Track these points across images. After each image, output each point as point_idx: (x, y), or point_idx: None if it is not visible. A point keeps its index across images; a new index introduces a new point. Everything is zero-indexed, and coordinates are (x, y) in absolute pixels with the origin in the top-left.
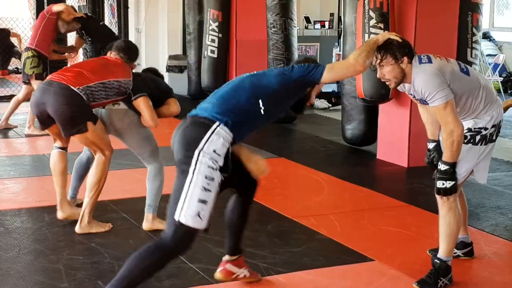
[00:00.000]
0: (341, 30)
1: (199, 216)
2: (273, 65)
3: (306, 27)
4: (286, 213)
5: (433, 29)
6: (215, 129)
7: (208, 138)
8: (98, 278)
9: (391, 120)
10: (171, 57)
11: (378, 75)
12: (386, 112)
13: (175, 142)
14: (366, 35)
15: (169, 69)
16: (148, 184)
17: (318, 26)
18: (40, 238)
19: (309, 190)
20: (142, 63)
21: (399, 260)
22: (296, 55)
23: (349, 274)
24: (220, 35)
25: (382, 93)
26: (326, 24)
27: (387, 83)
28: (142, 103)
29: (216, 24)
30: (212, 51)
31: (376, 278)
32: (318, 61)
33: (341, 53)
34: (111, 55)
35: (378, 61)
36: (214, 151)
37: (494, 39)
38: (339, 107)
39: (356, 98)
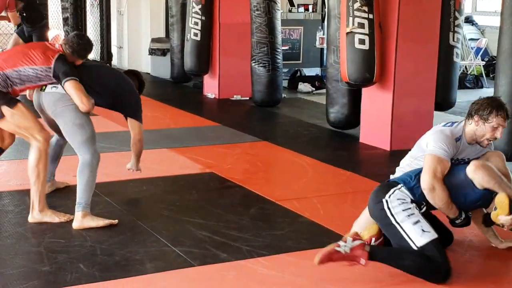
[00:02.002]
0: (324, 14)
1: (423, 231)
2: (256, 48)
3: (290, 10)
4: (269, 196)
5: (416, 13)
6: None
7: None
8: (79, 261)
9: (374, 104)
10: (153, 40)
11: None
12: (369, 96)
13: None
14: (350, 19)
15: (152, 52)
16: (77, 178)
17: (301, 9)
18: (22, 221)
19: (293, 174)
20: (124, 46)
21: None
22: (279, 39)
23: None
24: (203, 18)
25: (367, 77)
26: (310, 7)
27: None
28: (70, 87)
29: (199, 6)
30: (195, 34)
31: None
32: (301, 44)
33: (324, 36)
34: (59, 43)
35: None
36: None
37: (476, 23)
38: (323, 91)
39: (339, 82)
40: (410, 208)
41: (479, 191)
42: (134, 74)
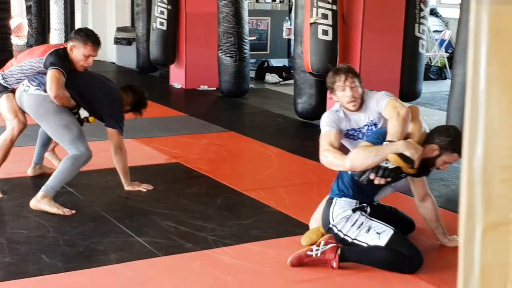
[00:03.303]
0: (292, 4)
1: (378, 233)
2: (223, 38)
3: (257, 1)
4: (235, 186)
5: (381, 4)
6: None
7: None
8: (42, 252)
9: None
10: (119, 29)
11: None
12: None
13: None
14: (314, 9)
15: (117, 41)
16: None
17: None
18: None
19: (259, 164)
20: None
21: None
22: (246, 29)
23: (297, 245)
24: (169, 7)
25: (329, 67)
26: None
27: (353, 102)
28: (49, 74)
29: None
30: (161, 23)
31: None
32: (268, 35)
33: (292, 27)
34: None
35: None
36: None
37: (440, 16)
38: (290, 81)
39: (306, 72)
40: (356, 220)
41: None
42: (130, 89)
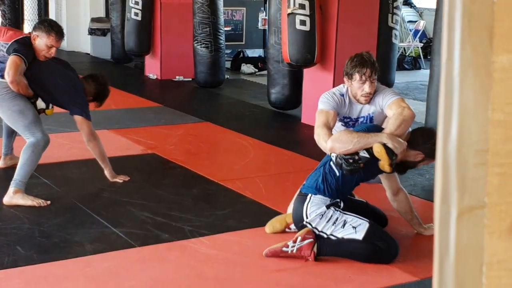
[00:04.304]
0: None
1: (354, 227)
2: (198, 29)
3: None
4: (211, 176)
5: None
6: None
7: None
8: (17, 243)
9: (315, 85)
10: (93, 20)
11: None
12: (310, 77)
13: None
14: (291, 0)
15: (92, 32)
16: (20, 156)
17: None
18: None
19: (235, 154)
20: (63, 26)
21: None
22: (222, 19)
23: (273, 235)
24: None
25: (308, 57)
26: None
27: (366, 98)
28: (10, 60)
29: None
30: (136, 14)
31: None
32: (244, 25)
33: (267, 18)
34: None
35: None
36: None
37: (415, 6)
38: (266, 72)
39: (280, 63)
40: (331, 216)
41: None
42: (93, 78)
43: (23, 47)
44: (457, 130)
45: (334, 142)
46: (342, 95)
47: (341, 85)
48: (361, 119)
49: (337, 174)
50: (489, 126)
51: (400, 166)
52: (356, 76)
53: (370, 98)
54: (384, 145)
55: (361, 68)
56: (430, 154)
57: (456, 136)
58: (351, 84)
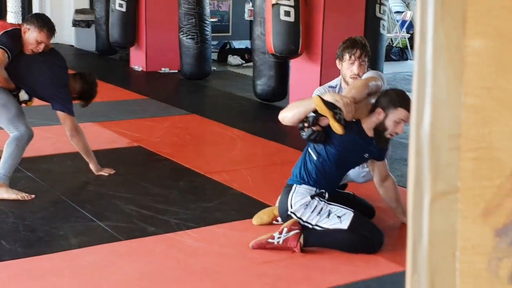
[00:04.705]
0: None
1: (339, 216)
2: (184, 20)
3: None
4: (198, 169)
5: None
6: None
7: None
8: (2, 237)
9: (303, 76)
10: (77, 11)
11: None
12: (297, 68)
13: None
14: None
15: (76, 23)
16: (3, 150)
17: None
18: None
19: (222, 146)
20: None
21: None
22: (207, 10)
23: (260, 227)
24: None
25: (292, 48)
26: None
27: (354, 79)
28: None
29: None
30: (121, 5)
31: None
32: (230, 16)
33: (253, 8)
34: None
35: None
36: None
37: None
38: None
39: (266, 54)
40: (316, 206)
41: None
42: (81, 77)
43: (10, 40)
44: (430, 115)
45: (282, 113)
46: (333, 87)
47: (335, 79)
48: None
49: (315, 158)
50: (462, 110)
51: (376, 135)
52: (346, 57)
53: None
54: (322, 99)
55: (351, 49)
56: (387, 105)
57: (429, 121)
58: (342, 66)
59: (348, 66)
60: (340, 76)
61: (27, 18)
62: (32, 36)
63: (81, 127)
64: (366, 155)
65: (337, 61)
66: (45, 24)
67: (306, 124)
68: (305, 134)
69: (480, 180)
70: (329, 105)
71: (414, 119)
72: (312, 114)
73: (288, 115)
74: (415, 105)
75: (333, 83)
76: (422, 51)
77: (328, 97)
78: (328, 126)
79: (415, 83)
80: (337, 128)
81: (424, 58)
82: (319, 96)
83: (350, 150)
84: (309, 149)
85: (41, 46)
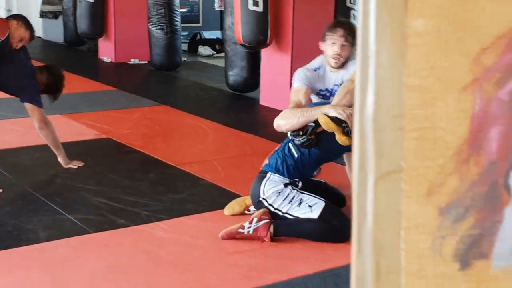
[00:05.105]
0: None
1: (310, 206)
2: (153, 10)
3: None
4: (169, 160)
5: None
6: None
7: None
8: None
9: (273, 66)
10: (44, 2)
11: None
12: (268, 59)
13: None
14: None
15: (43, 15)
16: None
17: None
18: None
19: (193, 137)
20: (13, 9)
21: None
22: (177, 0)
23: (232, 218)
24: None
25: (260, 39)
26: None
27: (336, 59)
28: None
29: None
30: None
31: None
32: (200, 6)
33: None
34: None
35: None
36: None
37: None
38: (223, 54)
39: (237, 45)
40: (288, 194)
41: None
42: (48, 70)
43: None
44: (373, 96)
45: (279, 120)
46: (316, 69)
47: (316, 59)
48: (335, 88)
49: (296, 155)
50: (405, 91)
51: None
52: (328, 37)
53: (341, 61)
54: (328, 116)
55: (334, 28)
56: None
57: (372, 102)
58: (326, 47)
59: (330, 48)
60: (322, 57)
61: (17, 15)
62: (19, 32)
63: (49, 119)
64: (345, 152)
65: (320, 43)
66: (32, 28)
67: (301, 132)
68: (298, 141)
69: (423, 160)
70: (336, 121)
71: (358, 100)
72: (312, 124)
73: (285, 125)
74: (358, 87)
75: (315, 64)
76: (365, 32)
77: (332, 113)
78: (321, 132)
79: (358, 65)
80: (344, 141)
81: (367, 40)
82: (325, 115)
83: (333, 151)
84: (290, 145)
85: (20, 44)
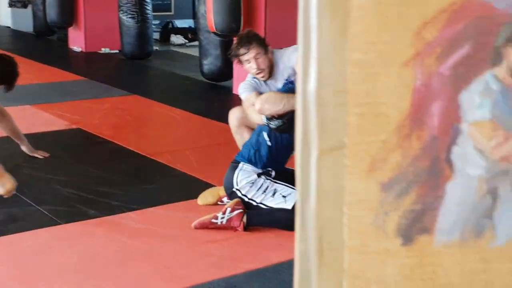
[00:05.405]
0: None
1: (284, 196)
2: None
3: None
4: (140, 150)
5: None
6: None
7: None
8: None
9: None
10: None
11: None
12: None
13: None
14: None
15: (12, 4)
16: None
17: None
18: None
19: (165, 127)
20: None
21: None
22: None
23: (204, 208)
24: None
25: (232, 27)
26: None
27: (262, 74)
28: None
29: None
30: None
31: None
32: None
33: None
34: None
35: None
36: None
37: None
38: (196, 43)
39: (211, 33)
40: (261, 184)
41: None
42: None
43: None
44: (316, 71)
45: (263, 104)
46: (254, 78)
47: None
48: (284, 87)
49: (270, 143)
50: (348, 66)
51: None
52: (240, 60)
53: (267, 72)
54: None
55: (238, 51)
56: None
57: (315, 77)
58: (246, 68)
59: (249, 67)
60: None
61: None
62: None
63: (6, 109)
64: None
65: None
66: None
67: (276, 116)
68: (274, 124)
69: (366, 135)
70: None
71: (300, 76)
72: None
73: (270, 108)
74: (301, 62)
75: (251, 76)
76: (306, 7)
77: None
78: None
79: (300, 40)
80: None
81: (308, 14)
82: None
83: None
84: (264, 132)
85: None
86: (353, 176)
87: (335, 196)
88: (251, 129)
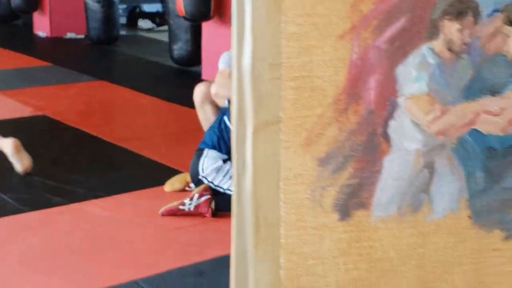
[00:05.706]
0: None
1: None
2: None
3: None
4: (107, 137)
5: None
6: None
7: None
8: None
9: (215, 40)
10: None
11: None
12: (209, 32)
13: None
14: None
15: None
16: None
17: None
18: None
19: (132, 113)
20: None
21: None
22: None
23: (171, 194)
24: None
25: (202, 10)
26: None
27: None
28: None
29: None
30: None
31: None
32: None
33: None
34: None
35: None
36: None
37: None
38: (165, 27)
39: (181, 18)
40: (228, 170)
41: None
42: None
43: None
44: (250, 45)
45: (218, 88)
46: None
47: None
48: None
49: (231, 127)
50: (282, 39)
51: None
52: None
53: (226, 96)
54: None
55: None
56: None
57: (250, 51)
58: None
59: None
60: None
61: None
62: None
63: None
64: None
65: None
66: None
67: None
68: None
69: (301, 110)
70: None
71: (235, 50)
72: None
73: (224, 91)
74: (235, 36)
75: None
76: None
77: None
78: None
79: (234, 14)
80: None
81: None
82: None
83: None
84: (225, 118)
85: None
86: (289, 151)
87: (271, 171)
88: (216, 106)
